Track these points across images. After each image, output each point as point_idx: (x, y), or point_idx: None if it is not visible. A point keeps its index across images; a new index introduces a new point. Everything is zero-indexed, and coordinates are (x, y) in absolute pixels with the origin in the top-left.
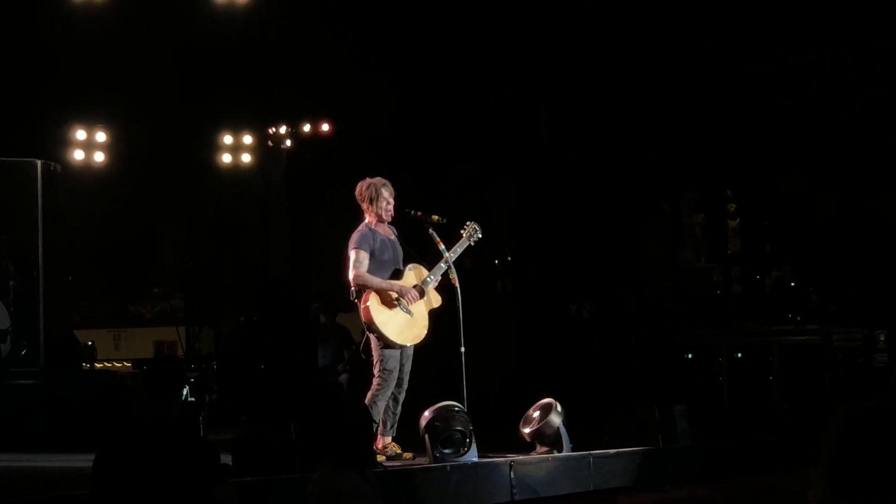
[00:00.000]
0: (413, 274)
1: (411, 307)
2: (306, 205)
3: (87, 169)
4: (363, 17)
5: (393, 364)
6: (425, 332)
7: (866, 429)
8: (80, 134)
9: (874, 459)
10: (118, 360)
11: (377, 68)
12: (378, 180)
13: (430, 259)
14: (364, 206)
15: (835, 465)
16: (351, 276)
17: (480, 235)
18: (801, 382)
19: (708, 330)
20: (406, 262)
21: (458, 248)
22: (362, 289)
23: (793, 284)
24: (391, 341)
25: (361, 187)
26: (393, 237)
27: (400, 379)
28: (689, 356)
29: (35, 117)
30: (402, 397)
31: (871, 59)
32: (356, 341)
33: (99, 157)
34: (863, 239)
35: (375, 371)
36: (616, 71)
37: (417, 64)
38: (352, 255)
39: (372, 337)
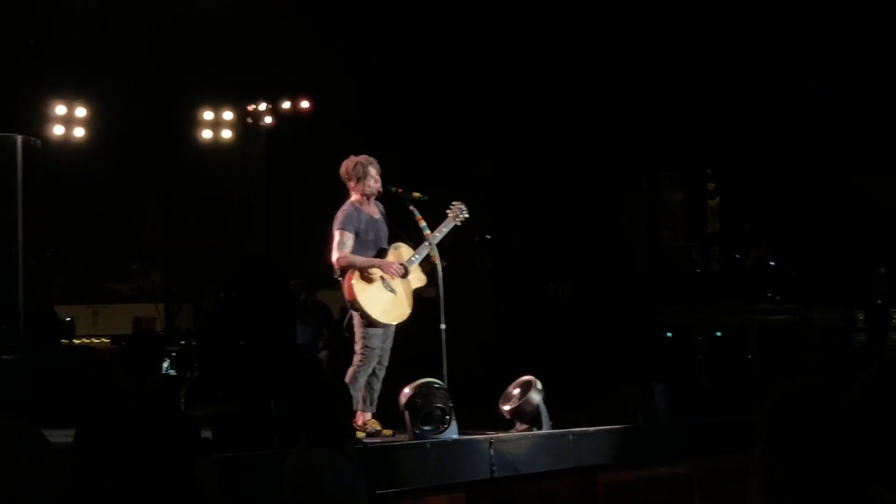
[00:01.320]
0: (398, 253)
1: (395, 285)
2: (286, 181)
3: (66, 144)
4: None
5: (376, 342)
6: (409, 311)
7: (796, 412)
8: (60, 109)
9: (807, 441)
10: (97, 336)
11: (356, 45)
12: (365, 158)
13: (413, 236)
14: (350, 184)
15: (769, 450)
16: (335, 256)
17: (467, 215)
18: (779, 361)
19: (687, 309)
20: (392, 240)
21: (444, 228)
22: (346, 268)
23: (772, 264)
24: (375, 320)
25: (348, 165)
26: (378, 215)
27: (381, 356)
28: (669, 335)
29: (14, 92)
30: (382, 374)
31: (849, 35)
32: (336, 318)
33: (79, 132)
34: (841, 219)
35: (357, 348)
36: (596, 48)
37: (396, 40)
38: (336, 235)
39: (355, 315)
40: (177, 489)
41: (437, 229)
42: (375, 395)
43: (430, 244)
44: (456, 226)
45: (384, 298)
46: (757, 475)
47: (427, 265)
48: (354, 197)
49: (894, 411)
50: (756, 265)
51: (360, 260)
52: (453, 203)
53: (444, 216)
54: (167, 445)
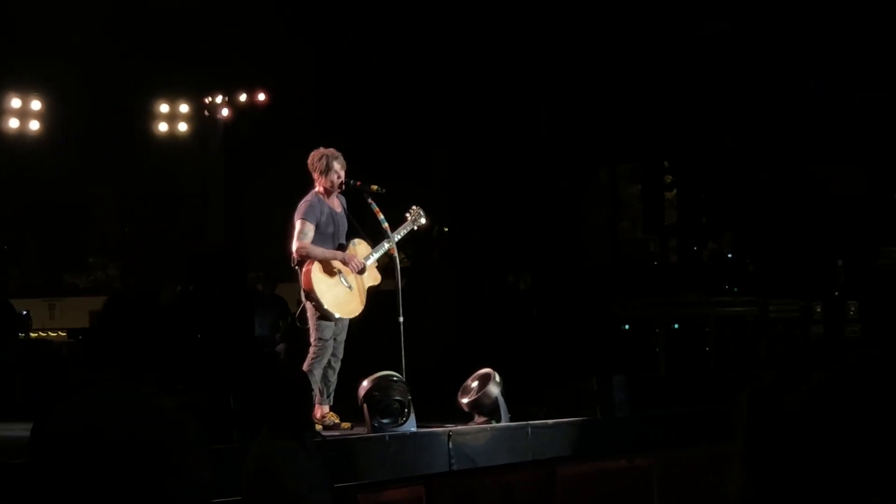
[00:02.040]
0: (355, 250)
1: (350, 280)
2: (243, 174)
3: (21, 137)
4: None
5: (328, 333)
6: (361, 307)
7: (776, 405)
8: (15, 102)
9: (789, 436)
10: (53, 330)
11: (312, 36)
12: (331, 151)
13: (370, 232)
14: (315, 175)
15: (749, 449)
16: (295, 246)
17: (424, 221)
18: (737, 353)
19: (645, 301)
20: (350, 236)
21: (402, 231)
22: (304, 258)
23: (729, 256)
24: (328, 312)
25: (314, 157)
26: (340, 210)
27: (335, 349)
28: (627, 327)
29: None
30: (337, 366)
31: (804, 25)
32: (292, 311)
33: (34, 125)
34: (799, 211)
35: (311, 340)
36: (556, 41)
37: (351, 31)
38: (297, 225)
39: (308, 305)
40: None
41: (396, 231)
42: (332, 388)
43: (387, 243)
44: (412, 230)
45: (339, 291)
46: (737, 476)
47: (385, 258)
48: (318, 188)
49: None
50: (713, 257)
51: (319, 251)
52: (412, 207)
53: (403, 219)
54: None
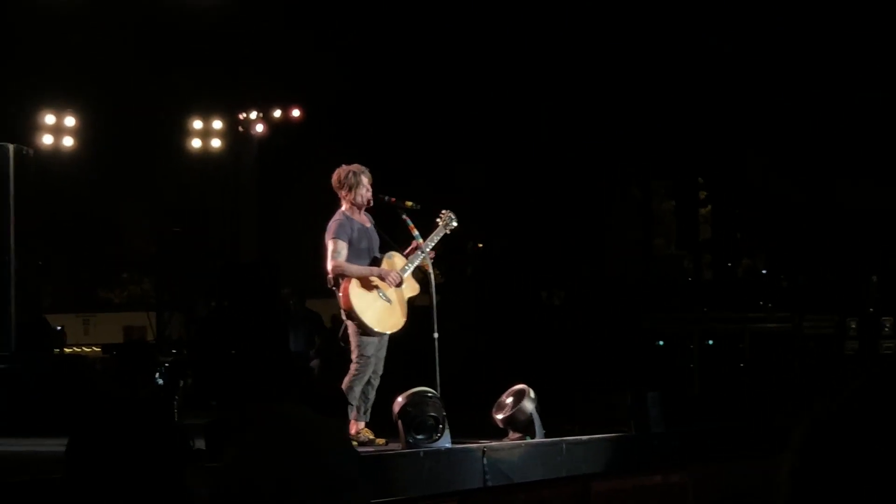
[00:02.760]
0: (391, 262)
1: (390, 294)
2: (276, 190)
3: (56, 153)
4: (333, 1)
5: (371, 350)
6: (403, 320)
7: (835, 434)
8: (50, 118)
9: (842, 466)
10: (88, 345)
11: (347, 53)
12: (357, 167)
13: (404, 246)
14: (342, 193)
15: (801, 469)
16: (329, 266)
17: (456, 224)
18: (771, 369)
19: (679, 317)
20: (382, 250)
21: (435, 237)
22: (340, 277)
23: (764, 271)
24: (370, 329)
25: (340, 174)
26: (369, 225)
27: (375, 365)
28: (661, 343)
29: (4, 101)
30: (376, 383)
31: (843, 44)
32: (328, 327)
33: (68, 141)
34: (834, 226)
35: (353, 357)
36: (589, 57)
37: (387, 50)
38: (330, 245)
39: (350, 324)
40: (167, 498)
41: (428, 238)
42: (370, 405)
43: (422, 253)
44: (445, 234)
45: (379, 307)
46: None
47: (419, 274)
48: (345, 206)
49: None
50: (748, 273)
51: (354, 269)
52: (442, 212)
53: (434, 225)
54: (158, 455)
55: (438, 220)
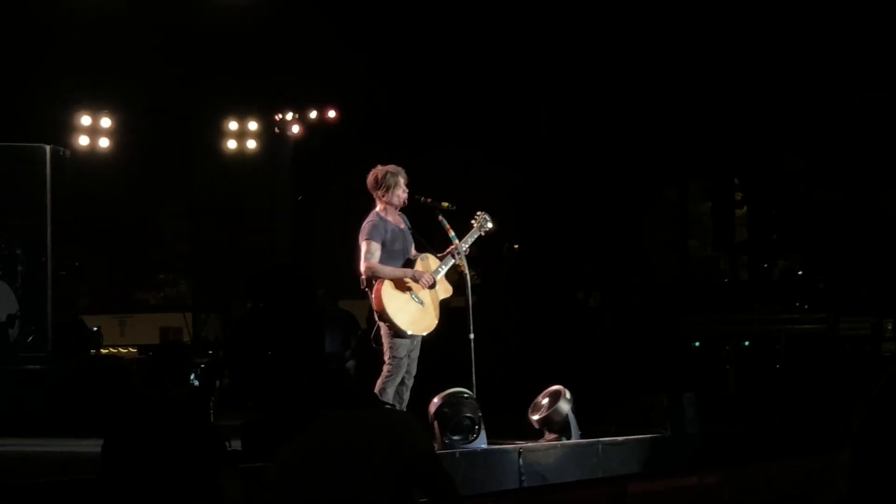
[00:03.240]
0: (425, 264)
1: (422, 296)
2: (312, 191)
3: (92, 154)
4: (370, 2)
5: (402, 352)
6: (436, 322)
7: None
8: (86, 119)
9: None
10: (124, 346)
11: (383, 53)
12: (394, 168)
13: (438, 246)
14: (378, 193)
15: (857, 466)
16: (362, 267)
17: (491, 225)
18: (807, 370)
19: (715, 318)
20: (416, 251)
21: (469, 238)
22: (373, 279)
23: (800, 273)
24: (402, 331)
25: (377, 174)
26: (403, 226)
27: (408, 366)
28: (697, 344)
29: (40, 103)
30: (410, 383)
31: (876, 50)
32: (362, 328)
33: (104, 142)
34: (871, 227)
35: (385, 358)
36: (625, 57)
37: (424, 49)
38: (363, 246)
39: (382, 325)
40: (201, 499)
41: (463, 239)
42: (404, 405)
43: (458, 253)
44: (480, 236)
45: (412, 309)
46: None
47: (454, 275)
48: (379, 207)
49: None
50: (784, 274)
51: (387, 270)
52: (478, 213)
53: (469, 226)
54: (192, 455)
55: (473, 221)
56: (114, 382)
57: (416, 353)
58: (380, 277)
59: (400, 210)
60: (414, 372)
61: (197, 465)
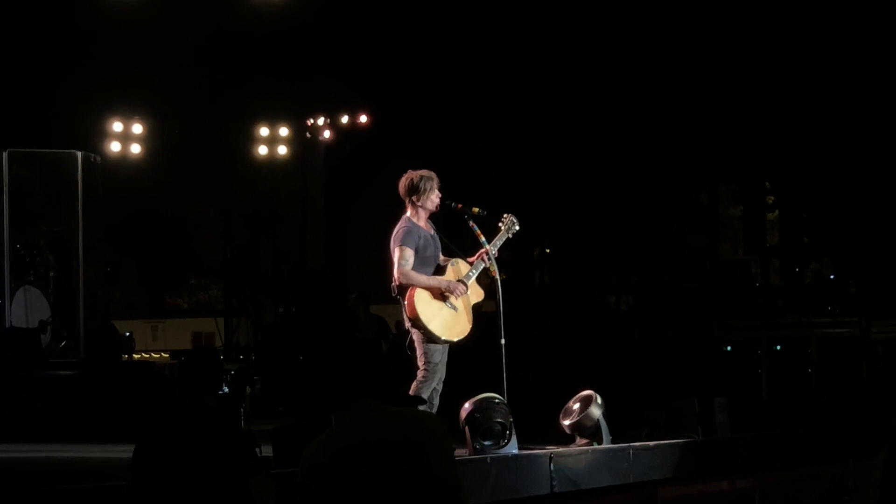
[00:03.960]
0: (456, 269)
1: (455, 302)
2: (343, 196)
3: (124, 160)
4: (400, 7)
5: (437, 357)
6: (470, 327)
7: None
8: (117, 126)
9: None
10: (156, 351)
11: (414, 58)
12: (427, 172)
13: (467, 251)
14: (413, 198)
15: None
16: (396, 274)
17: (518, 228)
18: (839, 374)
19: (747, 322)
20: (445, 255)
21: (498, 241)
22: (407, 286)
23: (832, 277)
24: (437, 337)
25: (412, 179)
26: (432, 232)
27: (440, 371)
28: (728, 348)
29: (73, 109)
30: (440, 388)
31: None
32: (393, 332)
33: (136, 148)
34: None
35: (420, 364)
36: (655, 62)
37: (453, 54)
38: (396, 252)
39: (415, 332)
40: None
41: (492, 243)
42: (434, 410)
43: (489, 258)
44: (508, 238)
45: (446, 315)
46: (878, 483)
47: (486, 279)
48: (410, 212)
49: None
50: (816, 278)
51: (423, 279)
52: (504, 215)
53: (497, 229)
54: (222, 462)
55: (500, 224)
56: (146, 388)
57: (445, 357)
58: (413, 285)
59: (428, 217)
60: (444, 376)
61: (227, 471)
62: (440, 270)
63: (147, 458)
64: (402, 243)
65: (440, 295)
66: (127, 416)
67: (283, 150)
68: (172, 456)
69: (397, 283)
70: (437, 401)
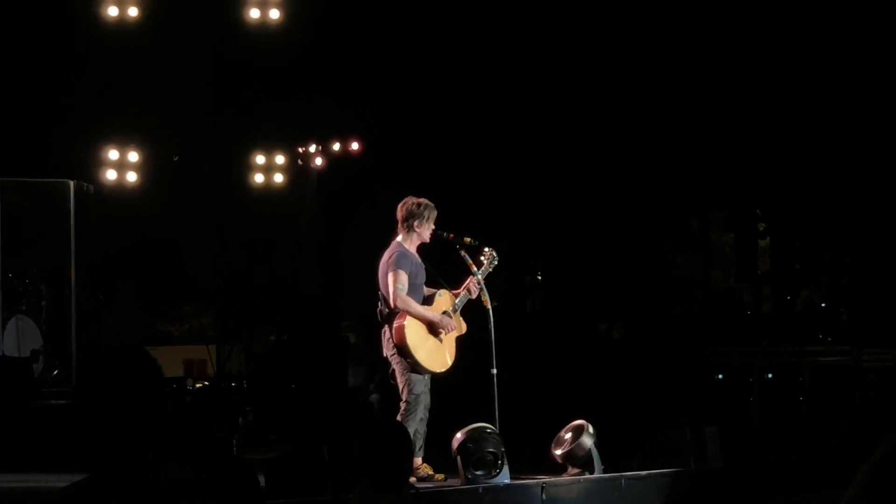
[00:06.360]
0: (444, 300)
1: (443, 335)
2: (336, 223)
3: (119, 188)
4: (391, 35)
5: (420, 388)
6: (452, 360)
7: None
8: (113, 154)
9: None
10: None
11: (405, 85)
12: (426, 201)
13: (454, 280)
14: (411, 222)
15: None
16: (391, 298)
17: (497, 262)
18: (831, 402)
19: (738, 350)
20: (429, 285)
21: (481, 274)
22: (396, 311)
23: (823, 305)
24: (421, 366)
25: (411, 206)
26: (419, 259)
27: (426, 401)
28: (720, 376)
29: (67, 137)
30: (427, 418)
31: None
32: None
33: (131, 176)
34: (894, 258)
35: (402, 396)
36: (648, 90)
37: (444, 81)
38: (391, 276)
39: (400, 361)
40: None
41: (480, 271)
42: (422, 440)
43: (480, 288)
44: (489, 272)
45: (431, 346)
46: None
47: (478, 306)
48: (402, 236)
49: None
50: (807, 306)
51: (419, 309)
52: (485, 250)
53: (479, 263)
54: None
55: (482, 258)
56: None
57: (428, 386)
58: (407, 312)
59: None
60: (429, 405)
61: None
62: (427, 299)
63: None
64: (398, 267)
65: (429, 326)
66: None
67: (279, 178)
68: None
69: (392, 306)
70: (424, 429)
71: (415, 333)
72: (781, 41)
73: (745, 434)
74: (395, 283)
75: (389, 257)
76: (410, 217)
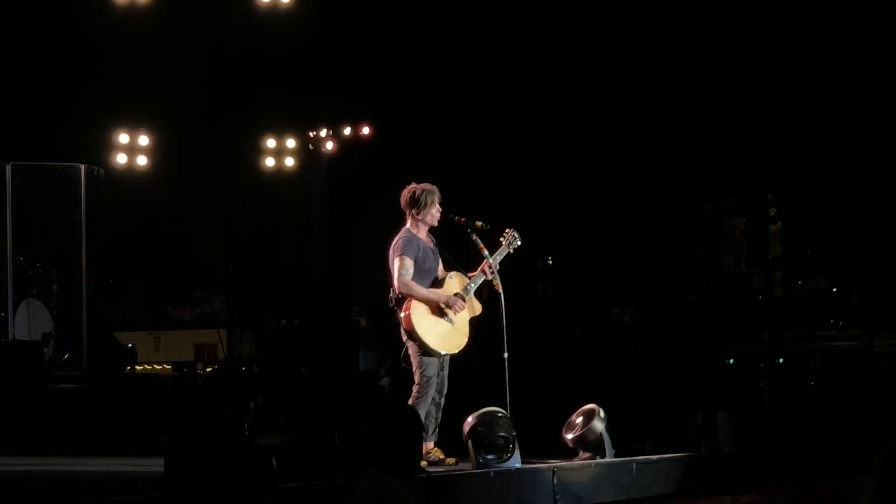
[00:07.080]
0: (455, 282)
1: (452, 316)
2: (347, 208)
3: (129, 172)
4: (403, 20)
5: (432, 371)
6: (466, 340)
7: None
8: (123, 137)
9: None
10: (159, 363)
11: (416, 71)
12: (428, 186)
13: (468, 265)
14: (413, 211)
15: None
16: (396, 283)
17: (520, 243)
18: (842, 388)
19: (749, 335)
20: (444, 269)
21: (498, 256)
22: (404, 296)
23: (834, 290)
24: (432, 350)
25: (414, 192)
26: (432, 245)
27: (439, 384)
28: (731, 361)
29: (78, 121)
30: (442, 402)
31: None
32: (390, 358)
33: (142, 160)
34: None
35: (415, 378)
36: (657, 75)
37: (456, 67)
38: (396, 262)
39: (411, 344)
40: None
41: (492, 257)
42: (436, 424)
43: (491, 272)
44: (509, 253)
45: (442, 328)
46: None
47: (487, 291)
48: (410, 223)
49: None
50: (816, 292)
51: (423, 292)
52: (506, 230)
53: (498, 244)
54: (244, 477)
55: (502, 238)
56: (151, 402)
57: (446, 371)
58: (412, 296)
59: (429, 230)
60: (445, 390)
61: (247, 486)
62: (439, 283)
63: (178, 474)
64: (403, 253)
65: (437, 308)
66: (131, 430)
67: (290, 161)
68: (201, 472)
69: (397, 292)
70: (439, 414)
71: (421, 317)
72: (790, 27)
73: (757, 419)
74: (399, 269)
75: (395, 243)
76: (411, 204)
